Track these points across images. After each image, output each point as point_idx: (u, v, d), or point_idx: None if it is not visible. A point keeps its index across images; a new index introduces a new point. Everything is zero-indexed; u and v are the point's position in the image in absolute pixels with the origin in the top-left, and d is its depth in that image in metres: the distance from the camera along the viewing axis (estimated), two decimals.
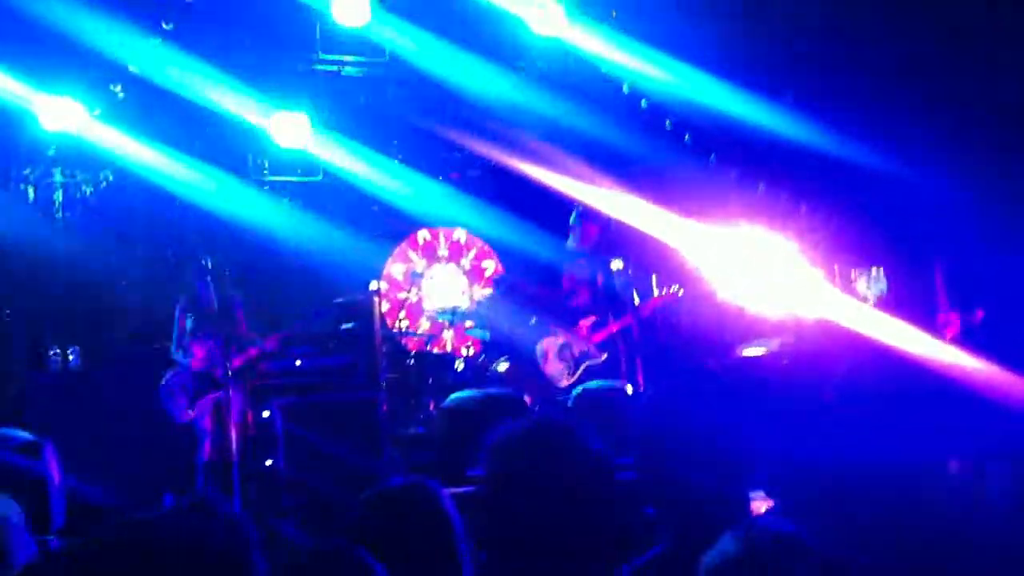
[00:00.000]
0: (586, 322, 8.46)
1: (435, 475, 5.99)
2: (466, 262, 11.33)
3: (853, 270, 8.94)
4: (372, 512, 2.48)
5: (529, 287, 9.21)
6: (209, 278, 7.87)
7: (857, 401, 3.01)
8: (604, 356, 8.32)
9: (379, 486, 2.54)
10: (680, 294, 8.43)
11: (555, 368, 8.46)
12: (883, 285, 8.82)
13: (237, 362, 7.62)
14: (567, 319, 8.60)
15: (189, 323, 7.74)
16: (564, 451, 2.02)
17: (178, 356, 7.80)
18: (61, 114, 8.44)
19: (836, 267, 8.93)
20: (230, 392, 7.38)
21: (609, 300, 8.44)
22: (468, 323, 9.75)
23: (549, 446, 2.02)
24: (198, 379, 7.65)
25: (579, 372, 8.32)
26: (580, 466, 2.00)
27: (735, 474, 2.32)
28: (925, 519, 1.96)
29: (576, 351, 8.43)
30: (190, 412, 7.55)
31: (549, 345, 8.52)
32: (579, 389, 6.96)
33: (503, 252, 10.92)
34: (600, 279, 8.52)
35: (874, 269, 8.91)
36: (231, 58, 8.87)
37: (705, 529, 2.04)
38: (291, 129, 9.24)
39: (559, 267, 8.87)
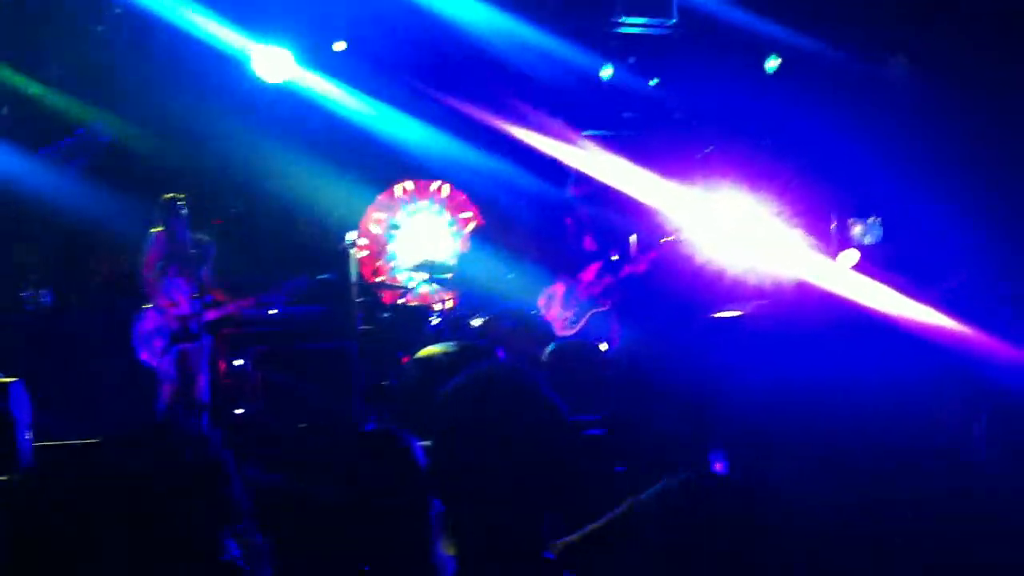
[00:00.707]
0: (591, 268, 8.45)
1: (402, 426, 6.01)
2: (448, 212, 11.28)
3: (851, 219, 9.04)
4: (342, 457, 2.47)
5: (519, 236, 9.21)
6: (185, 219, 7.63)
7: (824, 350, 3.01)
8: (609, 305, 8.30)
9: (350, 431, 2.54)
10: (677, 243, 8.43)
11: (559, 314, 8.45)
12: (879, 233, 8.91)
13: (212, 315, 7.52)
14: (574, 264, 8.58)
15: (161, 264, 7.56)
16: (513, 398, 2.00)
17: (151, 298, 7.58)
18: None
19: (833, 216, 9.01)
20: (203, 343, 7.30)
21: (610, 249, 8.45)
22: (447, 275, 9.72)
23: (498, 393, 2.00)
24: (176, 326, 7.48)
25: (583, 320, 8.32)
26: (530, 413, 1.98)
27: (697, 421, 2.32)
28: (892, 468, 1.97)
29: (582, 297, 8.41)
30: (161, 356, 7.44)
31: (556, 290, 8.51)
32: (552, 345, 6.99)
33: (507, 195, 10.76)
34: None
35: (871, 218, 9.00)
36: None
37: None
38: (273, 63, 9.19)
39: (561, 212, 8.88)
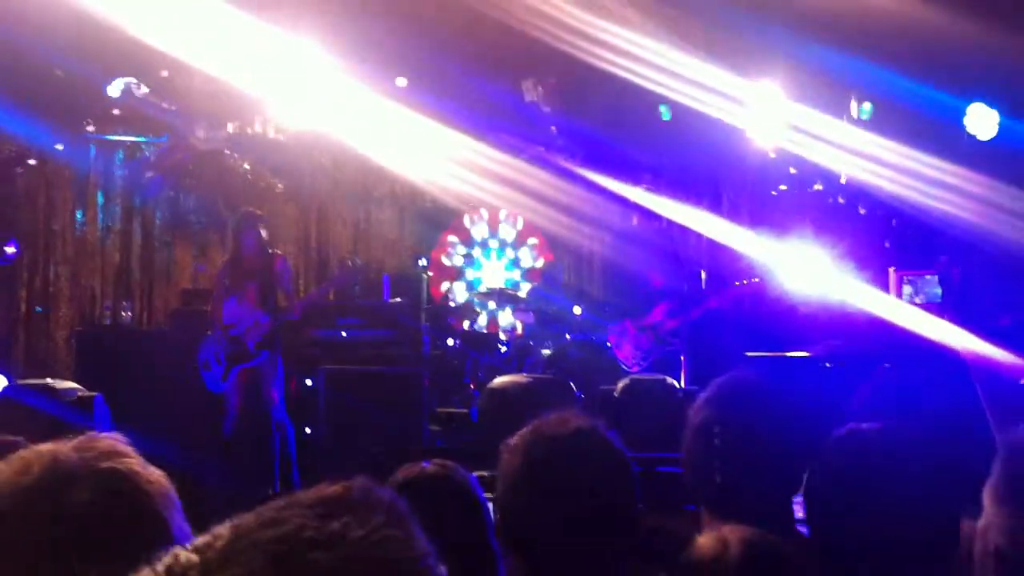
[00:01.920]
0: (661, 307, 8.44)
1: (474, 455, 6.03)
2: (519, 245, 11.34)
3: (905, 276, 9.00)
4: (402, 494, 2.47)
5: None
6: (260, 232, 7.38)
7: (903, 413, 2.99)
8: (676, 344, 8.26)
9: (409, 469, 2.53)
10: (754, 285, 8.39)
11: (629, 352, 8.42)
12: (937, 291, 8.85)
13: (268, 329, 7.23)
14: (643, 301, 8.55)
15: (227, 284, 7.31)
16: (589, 452, 2.03)
17: (213, 321, 7.39)
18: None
19: (892, 270, 8.95)
20: (263, 359, 7.16)
21: (682, 287, 8.41)
22: (515, 305, 9.76)
23: (577, 448, 2.03)
24: (230, 348, 7.23)
25: (652, 358, 8.29)
26: (603, 467, 2.01)
27: (783, 479, 2.31)
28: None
29: (655, 337, 8.39)
30: (222, 383, 7.26)
31: (626, 327, 8.50)
32: (626, 380, 6.99)
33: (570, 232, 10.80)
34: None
35: (927, 276, 8.94)
36: None
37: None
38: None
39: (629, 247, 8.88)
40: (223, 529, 0.88)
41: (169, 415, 7.12)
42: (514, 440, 2.11)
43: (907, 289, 9.09)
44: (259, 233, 7.33)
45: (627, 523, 2.02)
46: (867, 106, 9.23)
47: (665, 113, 9.56)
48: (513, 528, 2.04)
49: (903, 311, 8.25)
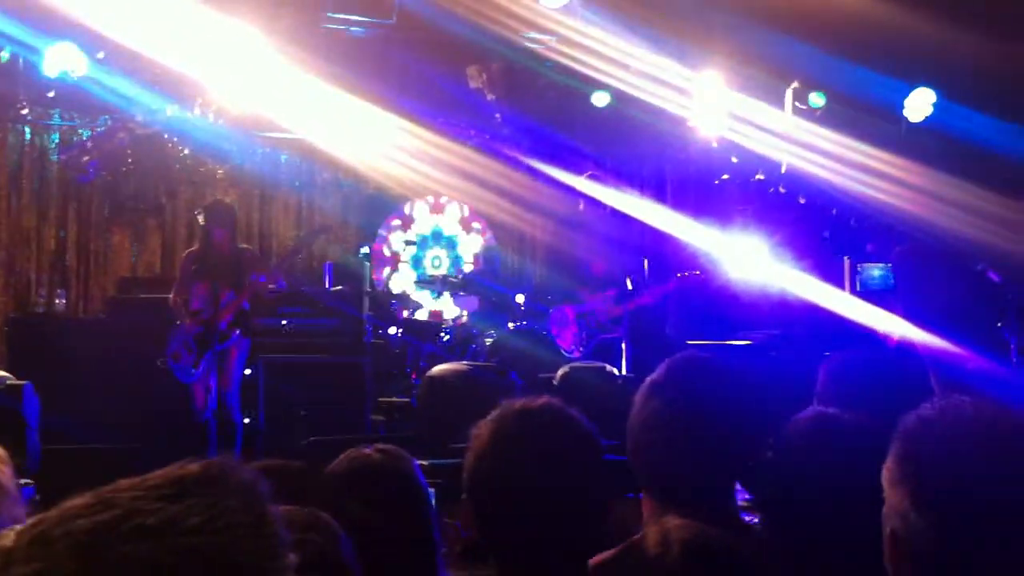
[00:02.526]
0: (607, 294, 8.44)
1: (417, 443, 6.00)
2: (460, 230, 11.30)
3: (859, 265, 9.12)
4: (344, 479, 2.45)
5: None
6: (232, 224, 7.28)
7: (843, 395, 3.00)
8: (618, 332, 8.25)
9: (353, 455, 2.50)
10: (696, 275, 8.42)
11: (569, 338, 8.42)
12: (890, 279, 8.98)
13: (231, 312, 7.02)
14: (587, 285, 8.55)
15: (193, 273, 7.09)
16: (562, 431, 2.02)
17: (178, 311, 7.14)
18: (63, 59, 8.31)
19: (846, 258, 9.06)
20: (234, 340, 6.99)
21: (624, 275, 8.43)
22: (457, 292, 9.72)
23: (550, 425, 2.01)
24: (199, 335, 7.01)
25: (591, 344, 8.29)
26: (575, 447, 2.00)
27: (726, 467, 2.30)
28: None
29: (596, 321, 8.39)
30: (194, 372, 7.09)
31: (566, 313, 8.49)
32: (565, 368, 6.99)
33: (512, 218, 10.81)
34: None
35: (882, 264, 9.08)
36: None
37: (687, 515, 2.03)
38: None
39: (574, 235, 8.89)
40: (53, 512, 0.82)
41: (104, 403, 6.99)
42: (484, 421, 2.09)
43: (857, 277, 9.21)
44: (232, 225, 7.26)
45: (598, 500, 2.01)
46: (816, 97, 9.31)
47: (599, 100, 9.57)
48: (483, 505, 2.01)
49: (843, 299, 8.35)
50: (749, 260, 8.64)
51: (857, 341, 7.56)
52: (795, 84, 9.39)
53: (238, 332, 7.05)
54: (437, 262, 11.13)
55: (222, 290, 7.01)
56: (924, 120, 9.24)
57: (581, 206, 8.78)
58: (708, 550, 1.84)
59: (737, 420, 2.25)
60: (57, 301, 9.38)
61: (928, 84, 9.19)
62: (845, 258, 9.12)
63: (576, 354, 8.18)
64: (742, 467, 2.28)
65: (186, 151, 10.42)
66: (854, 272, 9.10)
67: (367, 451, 2.49)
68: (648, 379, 2.37)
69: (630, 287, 8.27)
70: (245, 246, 7.63)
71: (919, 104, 9.22)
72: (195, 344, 6.94)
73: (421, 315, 10.12)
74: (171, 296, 7.18)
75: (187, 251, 7.60)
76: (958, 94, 8.97)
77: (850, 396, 2.97)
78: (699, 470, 2.21)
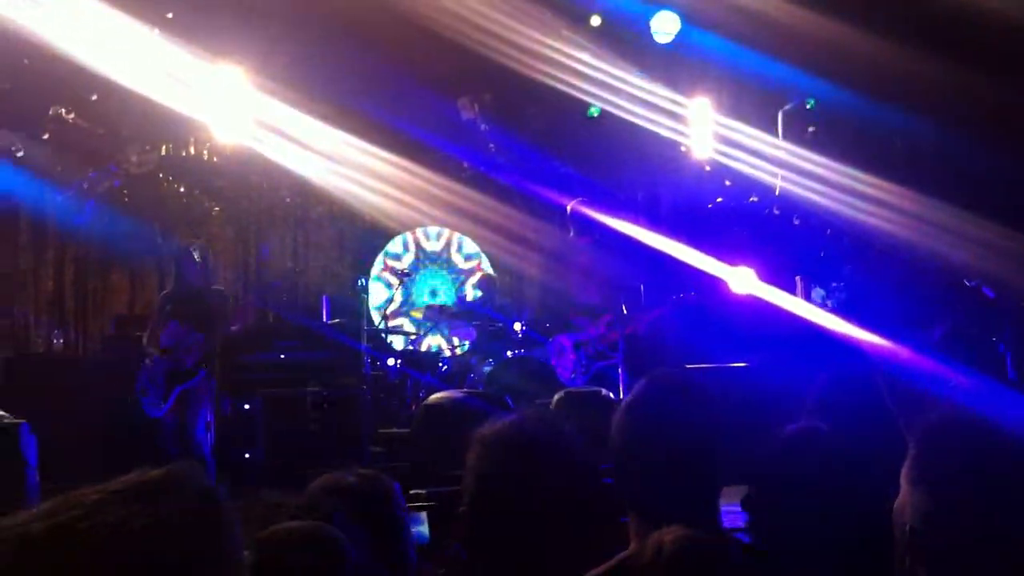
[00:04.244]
0: (601, 320, 8.46)
1: (414, 472, 5.98)
2: (455, 259, 11.33)
3: (814, 285, 9.15)
4: (323, 501, 2.47)
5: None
6: (198, 265, 7.42)
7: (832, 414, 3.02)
8: (616, 358, 8.26)
9: (331, 477, 2.52)
10: (692, 298, 8.45)
11: (568, 363, 8.42)
12: (842, 296, 9.00)
13: (207, 350, 7.17)
14: (582, 314, 8.57)
15: (164, 312, 7.34)
16: (549, 452, 2.03)
17: (148, 347, 7.32)
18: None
19: (798, 279, 9.08)
20: (200, 379, 7.09)
21: (619, 300, 8.44)
22: (454, 324, 9.74)
23: (535, 446, 2.02)
24: (168, 371, 7.13)
25: (591, 371, 8.29)
26: (564, 468, 2.01)
27: (705, 482, 2.31)
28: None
29: (594, 349, 8.40)
30: (162, 406, 7.16)
31: (564, 342, 8.50)
32: (560, 393, 6.98)
33: (505, 246, 10.88)
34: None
35: (834, 283, 9.10)
36: None
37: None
38: None
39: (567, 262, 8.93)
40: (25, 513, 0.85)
41: (101, 442, 7.01)
42: (475, 440, 2.11)
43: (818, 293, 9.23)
44: (198, 263, 7.39)
45: (583, 511, 2.02)
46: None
47: (593, 110, 9.65)
48: (473, 526, 2.02)
49: (832, 319, 8.36)
50: (744, 283, 8.64)
51: (847, 357, 7.57)
52: (787, 106, 9.46)
53: (204, 372, 7.12)
54: (434, 293, 11.14)
55: (189, 330, 7.12)
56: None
57: (571, 233, 8.82)
58: (702, 553, 1.85)
59: (711, 436, 2.27)
60: (55, 341, 9.40)
61: None
62: (797, 277, 9.15)
63: (577, 383, 8.17)
64: (719, 483, 2.29)
65: (181, 189, 10.47)
66: (808, 291, 9.12)
67: (346, 476, 2.53)
68: (624, 400, 2.39)
69: (625, 312, 8.28)
70: (218, 288, 7.70)
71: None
72: (163, 380, 7.04)
73: (419, 346, 10.14)
74: (146, 333, 7.29)
75: (163, 292, 7.71)
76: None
77: (837, 410, 3.00)
78: (677, 487, 2.22)
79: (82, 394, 7.57)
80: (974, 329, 7.79)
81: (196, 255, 7.41)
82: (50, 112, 8.99)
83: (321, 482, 2.46)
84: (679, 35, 9.49)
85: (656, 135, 9.76)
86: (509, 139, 10.18)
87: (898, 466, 1.82)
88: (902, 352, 7.03)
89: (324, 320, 9.36)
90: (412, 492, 5.11)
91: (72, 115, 9.00)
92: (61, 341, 9.85)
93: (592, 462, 2.17)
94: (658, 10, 9.43)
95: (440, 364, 9.11)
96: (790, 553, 2.17)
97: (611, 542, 2.34)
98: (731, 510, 2.41)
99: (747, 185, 9.76)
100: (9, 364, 8.21)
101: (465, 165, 10.66)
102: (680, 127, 9.69)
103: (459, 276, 11.27)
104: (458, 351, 9.57)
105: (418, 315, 10.35)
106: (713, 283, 8.78)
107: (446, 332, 10.18)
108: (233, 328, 7.41)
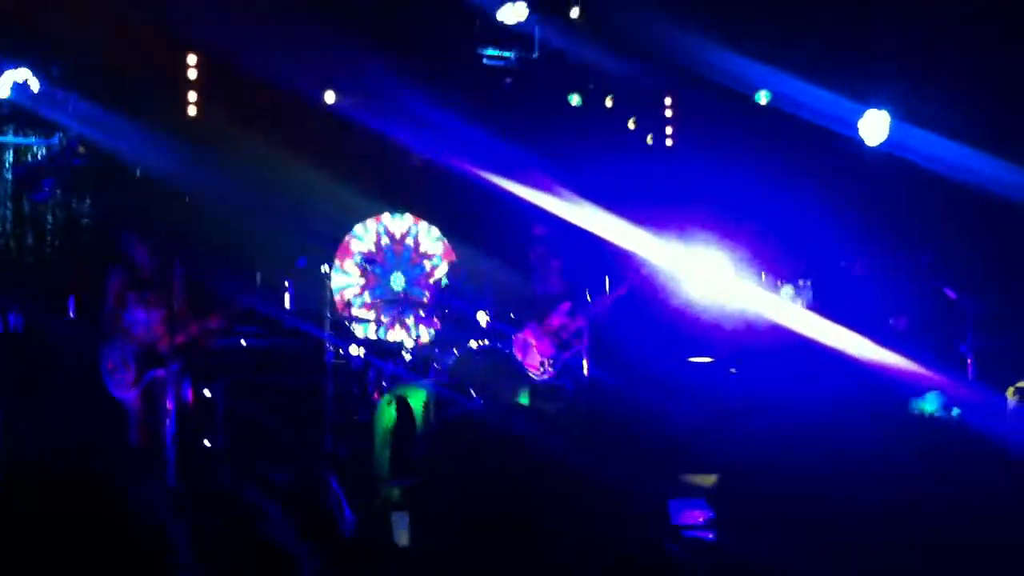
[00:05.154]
0: (560, 310, 8.44)
1: (378, 464, 5.94)
2: (421, 248, 11.26)
3: (779, 280, 9.19)
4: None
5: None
6: (147, 246, 7.43)
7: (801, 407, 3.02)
8: (580, 345, 8.26)
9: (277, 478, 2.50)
10: (640, 281, 8.45)
11: (535, 360, 8.41)
12: (809, 295, 9.06)
13: (179, 339, 7.24)
14: (541, 307, 8.57)
15: (120, 294, 7.32)
16: (500, 442, 1.99)
17: (107, 329, 7.32)
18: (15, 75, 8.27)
19: (763, 275, 9.12)
20: (171, 369, 7.09)
21: (579, 289, 8.45)
22: (419, 312, 9.68)
23: (486, 436, 1.99)
24: (141, 353, 7.18)
25: (559, 364, 8.29)
26: (516, 459, 1.97)
27: (655, 472, 2.30)
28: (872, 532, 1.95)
29: (558, 339, 8.39)
30: (133, 388, 7.10)
31: (528, 335, 8.48)
32: (526, 389, 6.98)
33: (466, 234, 10.86)
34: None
35: (801, 280, 9.15)
36: None
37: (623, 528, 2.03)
38: None
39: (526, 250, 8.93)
40: None
41: (60, 420, 6.93)
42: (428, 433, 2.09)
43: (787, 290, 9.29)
44: (148, 239, 7.35)
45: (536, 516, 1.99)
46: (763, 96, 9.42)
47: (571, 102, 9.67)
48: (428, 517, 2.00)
49: (803, 316, 8.41)
50: (710, 276, 8.66)
51: (817, 357, 7.63)
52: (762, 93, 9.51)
53: (178, 360, 7.05)
54: (398, 280, 11.07)
55: (155, 315, 7.06)
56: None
57: (537, 228, 8.82)
58: None
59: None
60: (10, 320, 9.21)
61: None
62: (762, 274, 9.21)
63: (545, 375, 8.17)
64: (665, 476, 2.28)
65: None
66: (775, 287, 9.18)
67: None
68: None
69: (589, 299, 8.29)
70: (171, 257, 7.57)
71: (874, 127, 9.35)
72: (134, 363, 6.99)
73: (383, 335, 10.07)
74: (105, 311, 7.23)
75: (116, 266, 7.57)
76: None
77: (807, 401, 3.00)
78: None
79: (42, 373, 7.50)
80: (938, 326, 7.89)
81: (142, 232, 7.43)
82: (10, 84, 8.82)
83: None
84: None
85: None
86: (474, 122, 10.15)
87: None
88: (867, 344, 7.10)
89: (286, 306, 9.26)
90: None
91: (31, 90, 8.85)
92: (19, 319, 9.66)
93: (552, 455, 2.13)
94: None
95: (404, 353, 9.05)
96: (758, 546, 2.15)
97: (571, 538, 2.32)
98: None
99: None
100: None
101: (420, 150, 10.62)
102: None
103: (424, 265, 11.20)
104: (422, 340, 9.51)
105: (381, 303, 10.25)
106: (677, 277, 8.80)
107: (410, 321, 10.12)
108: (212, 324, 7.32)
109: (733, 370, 8.44)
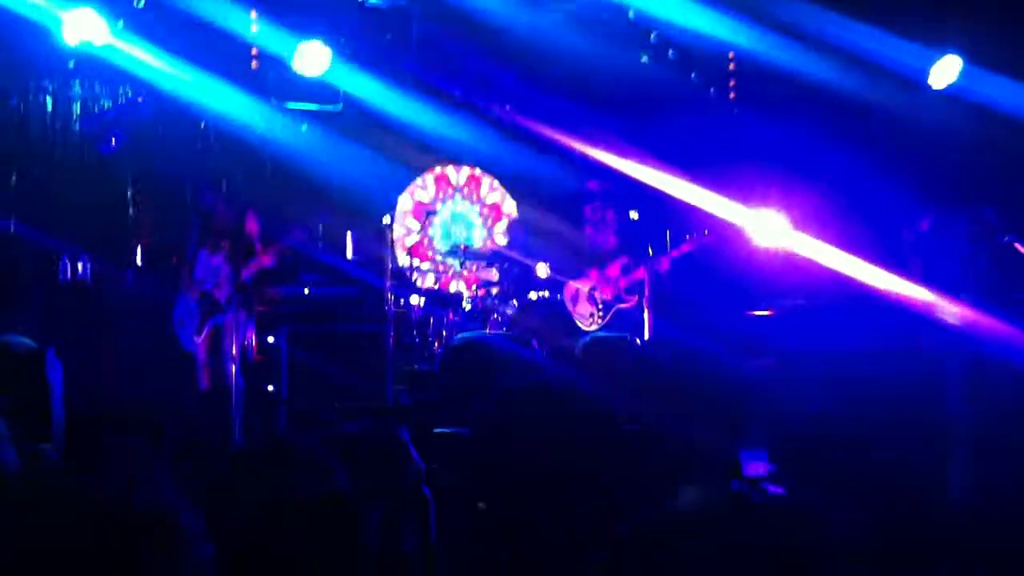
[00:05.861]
0: (616, 264, 8.44)
1: (436, 412, 6.01)
2: (482, 200, 11.27)
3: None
4: (339, 452, 2.46)
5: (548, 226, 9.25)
6: (223, 198, 7.57)
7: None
8: (634, 300, 8.29)
9: (346, 429, 2.52)
10: (705, 240, 8.40)
11: (584, 310, 8.45)
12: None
13: (244, 274, 7.29)
14: (594, 260, 8.59)
15: (202, 248, 7.45)
16: (567, 407, 2.02)
17: (185, 282, 7.44)
18: (82, 26, 8.33)
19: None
20: (232, 315, 7.20)
21: (634, 243, 8.45)
22: (480, 263, 9.72)
23: (553, 401, 2.01)
24: (202, 303, 7.31)
25: (609, 316, 8.32)
26: (582, 423, 2.00)
27: (730, 432, 2.31)
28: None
29: (606, 295, 8.41)
30: (197, 339, 7.26)
31: (580, 287, 8.51)
32: (588, 338, 6.98)
33: (524, 189, 10.86)
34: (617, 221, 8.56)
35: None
36: None
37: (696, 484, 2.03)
38: (313, 58, 9.15)
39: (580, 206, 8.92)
40: None
41: (130, 371, 7.08)
42: (495, 395, 2.11)
43: None
44: (221, 192, 7.39)
45: (603, 478, 2.02)
46: None
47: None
48: (492, 477, 2.03)
49: (870, 270, 8.29)
50: (772, 229, 8.56)
51: (880, 313, 7.53)
52: None
53: (234, 307, 7.15)
54: (460, 232, 11.10)
55: (224, 263, 7.15)
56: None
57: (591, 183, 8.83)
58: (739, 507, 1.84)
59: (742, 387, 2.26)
60: (79, 268, 9.39)
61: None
62: None
63: (592, 325, 8.20)
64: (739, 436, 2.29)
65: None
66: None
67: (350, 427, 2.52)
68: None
69: (651, 254, 8.27)
70: (247, 209, 7.67)
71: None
72: (198, 313, 7.10)
73: (444, 285, 10.14)
74: (178, 264, 7.35)
75: (192, 219, 7.71)
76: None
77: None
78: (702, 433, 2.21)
79: (109, 323, 7.65)
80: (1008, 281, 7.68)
81: (215, 186, 7.48)
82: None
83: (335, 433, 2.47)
84: None
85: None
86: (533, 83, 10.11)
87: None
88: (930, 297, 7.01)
89: (348, 256, 9.35)
90: (438, 430, 5.14)
91: (98, 42, 8.95)
92: (88, 268, 9.85)
93: (610, 416, 2.15)
94: None
95: (463, 304, 9.10)
96: (817, 497, 2.16)
97: (631, 489, 2.34)
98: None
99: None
100: (37, 292, 8.26)
101: (494, 107, 10.61)
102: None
103: (486, 217, 11.21)
104: (482, 292, 9.56)
105: (443, 254, 10.30)
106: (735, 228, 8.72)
107: (470, 272, 10.17)
108: (266, 262, 7.42)
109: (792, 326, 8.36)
